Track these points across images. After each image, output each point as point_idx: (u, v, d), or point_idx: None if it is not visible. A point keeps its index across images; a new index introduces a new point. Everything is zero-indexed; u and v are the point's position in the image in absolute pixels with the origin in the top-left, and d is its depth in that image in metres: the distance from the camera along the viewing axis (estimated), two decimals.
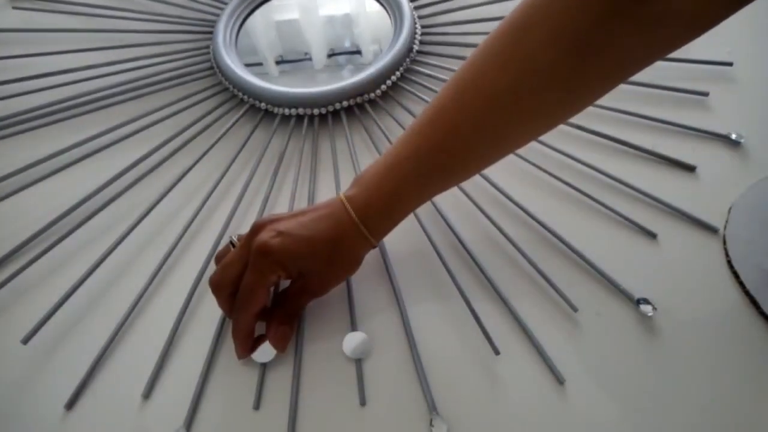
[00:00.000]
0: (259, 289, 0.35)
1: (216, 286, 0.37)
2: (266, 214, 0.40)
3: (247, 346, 0.37)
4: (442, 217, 0.45)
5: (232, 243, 0.39)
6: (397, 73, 0.55)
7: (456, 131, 0.34)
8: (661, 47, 0.31)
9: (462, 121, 0.34)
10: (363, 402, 0.36)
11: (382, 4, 0.62)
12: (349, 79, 0.53)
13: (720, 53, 0.55)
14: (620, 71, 0.32)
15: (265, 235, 0.35)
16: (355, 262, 0.38)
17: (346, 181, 0.48)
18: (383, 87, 0.54)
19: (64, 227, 0.46)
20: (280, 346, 0.37)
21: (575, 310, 0.39)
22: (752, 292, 0.39)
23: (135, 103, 0.56)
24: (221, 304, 0.38)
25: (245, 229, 0.46)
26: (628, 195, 0.46)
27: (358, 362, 0.38)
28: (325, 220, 0.36)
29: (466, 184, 0.46)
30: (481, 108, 0.33)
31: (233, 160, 0.51)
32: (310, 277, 0.37)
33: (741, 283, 0.40)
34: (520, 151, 0.48)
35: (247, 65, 0.57)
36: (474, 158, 0.36)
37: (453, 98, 0.34)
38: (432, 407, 0.35)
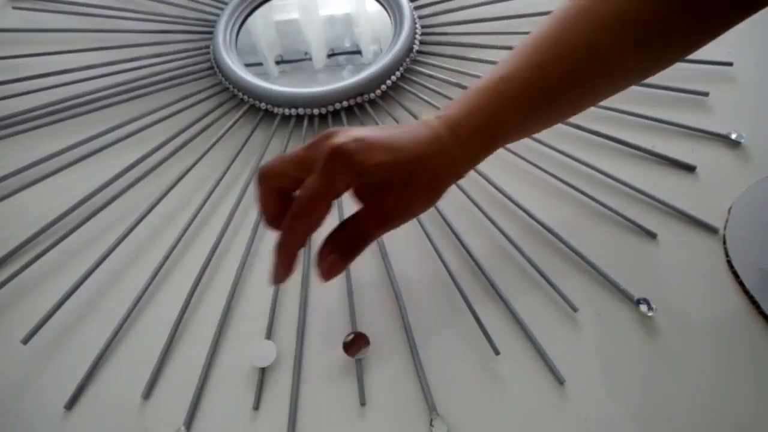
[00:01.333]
0: (326, 195, 0.30)
1: (266, 173, 0.32)
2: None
3: (290, 264, 0.32)
4: (442, 217, 0.45)
5: None
6: (397, 73, 0.55)
7: (568, 55, 0.32)
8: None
9: (574, 44, 0.32)
10: (363, 402, 0.36)
11: (382, 4, 0.62)
12: (349, 79, 0.53)
13: (720, 53, 0.55)
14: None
15: (340, 138, 0.30)
16: (436, 190, 0.33)
17: None
18: (383, 87, 0.54)
19: (64, 227, 0.46)
20: (326, 275, 0.32)
21: (575, 310, 0.39)
22: (752, 291, 0.39)
23: (135, 103, 0.56)
24: (264, 196, 0.32)
25: (245, 228, 0.46)
26: (628, 195, 0.46)
27: (358, 362, 0.38)
28: (409, 133, 0.32)
29: (466, 184, 0.47)
30: (594, 33, 0.32)
31: (233, 160, 0.51)
32: (383, 197, 0.31)
33: (741, 283, 0.40)
34: (520, 151, 0.48)
35: (247, 65, 0.57)
36: (582, 88, 0.33)
37: (561, 26, 0.32)
38: (432, 407, 0.35)
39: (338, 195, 0.31)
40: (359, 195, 0.32)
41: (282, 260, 0.31)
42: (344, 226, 0.33)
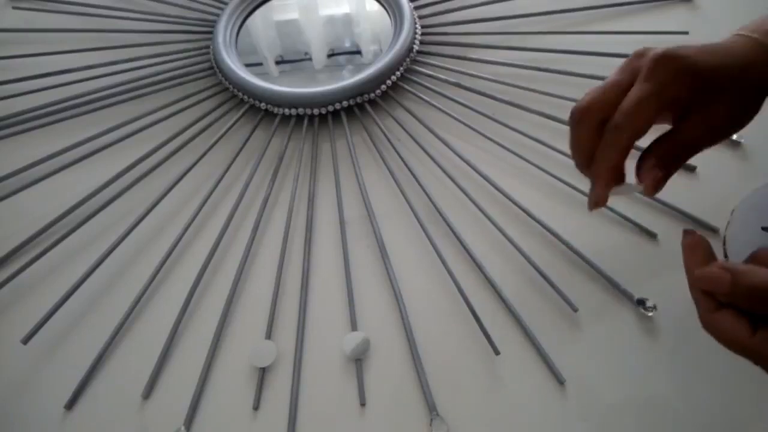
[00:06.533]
0: (653, 101, 0.28)
1: (583, 109, 0.30)
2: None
3: (611, 180, 0.30)
4: (443, 217, 0.45)
5: None
6: (397, 73, 0.55)
7: None
8: None
9: None
10: (363, 402, 0.36)
11: (382, 4, 0.62)
12: (349, 79, 0.53)
13: None
14: None
15: (662, 48, 0.29)
16: (759, 102, 0.32)
17: (347, 180, 0.49)
18: (383, 87, 0.54)
19: (64, 227, 0.46)
20: (651, 191, 0.31)
21: (575, 310, 0.39)
22: None
23: (135, 103, 0.56)
24: (580, 137, 0.31)
25: (245, 228, 0.46)
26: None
27: (358, 362, 0.38)
28: (730, 43, 0.31)
29: (466, 185, 0.47)
30: None
31: (233, 160, 0.50)
32: (716, 104, 0.30)
33: None
34: (520, 151, 0.48)
35: (247, 65, 0.57)
36: None
37: None
38: (432, 407, 0.35)
39: (668, 102, 0.29)
40: (686, 103, 0.30)
41: (602, 175, 0.30)
42: (665, 139, 0.31)
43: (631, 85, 0.29)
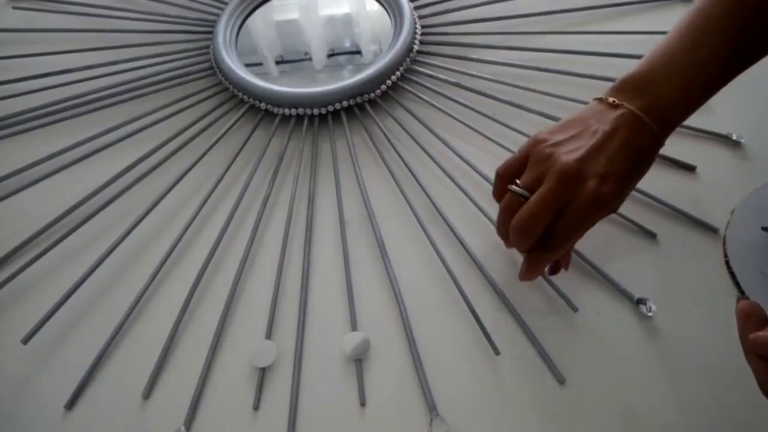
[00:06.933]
0: (549, 213, 0.33)
1: (526, 232, 0.34)
2: (548, 141, 0.35)
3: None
4: (443, 217, 0.45)
5: (520, 195, 0.35)
6: (397, 73, 0.55)
7: (763, 15, 0.33)
8: None
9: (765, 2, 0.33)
10: (363, 402, 0.36)
11: (382, 4, 0.62)
12: (349, 79, 0.53)
13: None
14: None
15: (592, 185, 0.33)
16: (649, 167, 0.36)
17: (347, 180, 0.49)
18: (383, 87, 0.54)
19: (64, 227, 0.46)
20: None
21: (575, 310, 0.39)
22: (747, 293, 0.39)
23: (135, 103, 0.56)
24: (523, 247, 0.36)
25: (245, 229, 0.46)
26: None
27: (358, 362, 0.38)
28: (628, 142, 0.34)
29: (466, 185, 0.47)
30: None
31: (233, 160, 0.50)
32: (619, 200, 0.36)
33: (737, 284, 0.39)
34: None
35: (247, 65, 0.57)
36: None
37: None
38: (432, 407, 0.35)
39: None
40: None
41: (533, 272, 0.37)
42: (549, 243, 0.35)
43: (561, 205, 0.33)
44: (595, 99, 0.37)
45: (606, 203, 0.34)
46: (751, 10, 0.34)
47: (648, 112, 0.34)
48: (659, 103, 0.35)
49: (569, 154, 0.34)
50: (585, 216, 0.34)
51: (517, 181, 0.35)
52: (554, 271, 0.39)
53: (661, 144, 0.36)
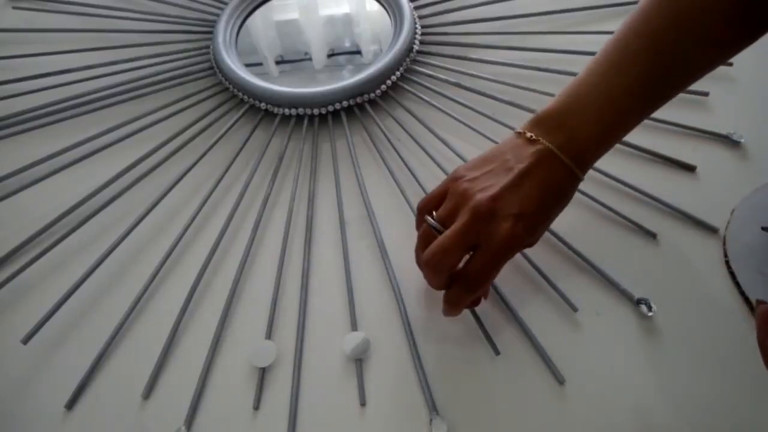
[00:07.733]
0: (460, 248, 0.34)
1: (435, 265, 0.34)
2: (464, 177, 0.35)
3: (441, 287, 0.37)
4: None
5: (434, 228, 0.35)
6: (397, 73, 0.55)
7: (682, 53, 0.33)
8: None
9: (684, 42, 0.33)
10: (363, 402, 0.36)
11: (382, 4, 0.62)
12: (349, 79, 0.53)
13: None
14: None
15: (506, 226, 0.33)
16: (567, 203, 0.36)
17: (347, 180, 0.49)
18: (383, 87, 0.54)
19: (64, 227, 0.46)
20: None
21: (575, 310, 0.39)
22: (747, 293, 0.39)
23: (135, 103, 0.56)
24: (434, 283, 0.36)
25: (245, 229, 0.46)
26: (628, 195, 0.46)
27: (358, 362, 0.38)
28: (544, 180, 0.34)
29: None
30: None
31: (233, 160, 0.50)
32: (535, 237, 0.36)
33: (737, 284, 0.40)
34: None
35: (247, 65, 0.57)
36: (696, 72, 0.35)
37: (670, 27, 0.33)
38: (432, 407, 0.35)
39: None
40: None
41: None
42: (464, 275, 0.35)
43: (473, 243, 0.34)
44: (515, 132, 0.37)
45: (519, 243, 0.34)
46: (669, 45, 0.33)
47: (564, 150, 0.34)
48: (575, 139, 0.34)
49: (484, 191, 0.33)
50: (498, 255, 0.34)
51: (435, 213, 0.35)
52: (474, 303, 0.38)
53: (579, 180, 0.35)
